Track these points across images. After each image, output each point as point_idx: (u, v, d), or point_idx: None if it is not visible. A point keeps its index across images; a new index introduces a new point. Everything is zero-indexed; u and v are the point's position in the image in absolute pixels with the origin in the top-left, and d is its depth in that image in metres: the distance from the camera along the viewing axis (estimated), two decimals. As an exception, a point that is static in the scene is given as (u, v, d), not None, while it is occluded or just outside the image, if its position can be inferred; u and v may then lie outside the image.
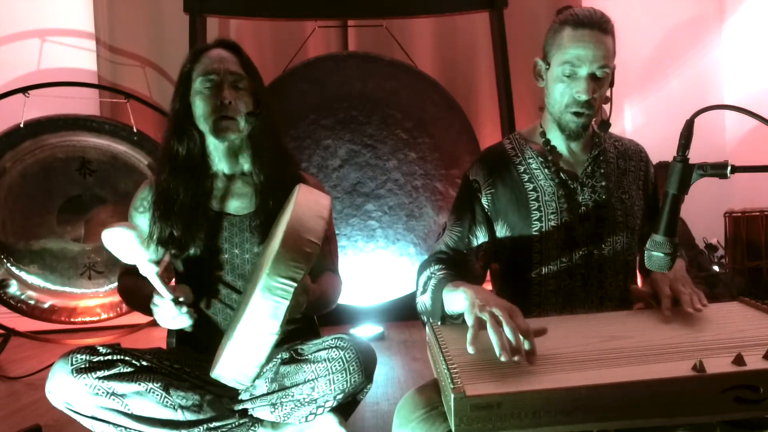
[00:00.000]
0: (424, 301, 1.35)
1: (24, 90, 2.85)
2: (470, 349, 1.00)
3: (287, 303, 1.15)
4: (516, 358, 0.97)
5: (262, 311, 1.15)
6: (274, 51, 3.65)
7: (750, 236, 3.22)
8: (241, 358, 1.20)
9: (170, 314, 1.38)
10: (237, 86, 1.52)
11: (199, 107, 1.51)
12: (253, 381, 1.25)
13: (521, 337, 1.00)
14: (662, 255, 1.10)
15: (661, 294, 1.26)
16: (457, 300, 1.18)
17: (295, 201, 1.28)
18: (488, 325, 1.02)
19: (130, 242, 1.33)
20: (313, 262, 1.20)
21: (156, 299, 1.39)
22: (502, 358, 0.96)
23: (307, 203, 1.27)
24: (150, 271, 1.36)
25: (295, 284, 1.16)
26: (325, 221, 1.26)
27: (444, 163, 3.28)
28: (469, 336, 1.02)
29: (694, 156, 1.06)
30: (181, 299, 1.40)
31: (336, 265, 1.67)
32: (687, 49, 3.94)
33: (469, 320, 1.07)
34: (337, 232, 3.20)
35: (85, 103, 3.29)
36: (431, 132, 3.28)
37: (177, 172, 1.54)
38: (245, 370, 1.21)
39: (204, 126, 1.53)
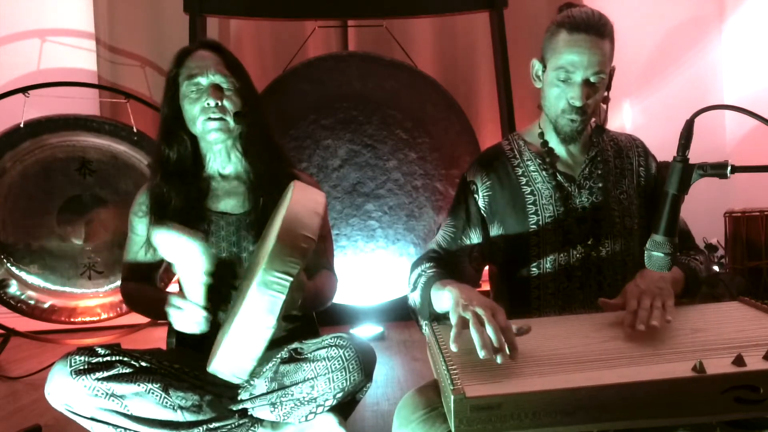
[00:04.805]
0: (414, 299, 1.36)
1: (24, 90, 2.85)
2: (453, 347, 1.01)
3: (283, 297, 1.17)
4: (498, 359, 0.97)
5: (259, 305, 1.17)
6: (274, 51, 3.64)
7: (750, 236, 3.21)
8: (238, 353, 1.21)
9: (195, 320, 1.39)
10: (223, 87, 1.53)
11: (188, 111, 1.54)
12: (250, 375, 1.26)
13: (501, 336, 1.00)
14: (662, 255, 1.10)
15: (627, 308, 1.17)
16: (444, 299, 1.19)
17: (290, 197, 1.28)
18: (470, 324, 1.03)
19: (194, 253, 1.37)
20: (309, 257, 1.21)
21: (179, 302, 1.40)
22: (482, 355, 0.97)
23: (302, 199, 1.29)
24: (201, 280, 1.38)
25: (291, 278, 1.17)
26: (320, 217, 1.27)
27: (444, 163, 3.28)
28: (452, 334, 1.03)
29: (694, 156, 1.06)
30: (208, 307, 1.41)
31: (332, 264, 1.68)
32: (687, 49, 3.94)
33: (453, 319, 1.08)
34: (337, 232, 3.20)
35: (85, 103, 3.28)
36: (431, 132, 3.27)
37: (169, 176, 1.57)
38: (242, 365, 1.22)
39: (194, 128, 1.55)
